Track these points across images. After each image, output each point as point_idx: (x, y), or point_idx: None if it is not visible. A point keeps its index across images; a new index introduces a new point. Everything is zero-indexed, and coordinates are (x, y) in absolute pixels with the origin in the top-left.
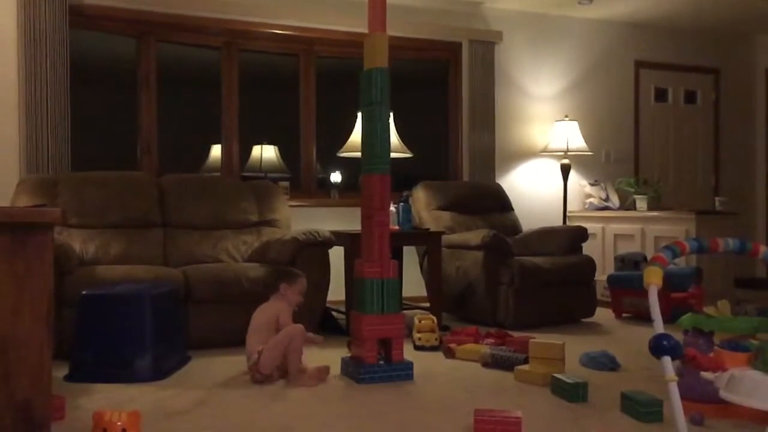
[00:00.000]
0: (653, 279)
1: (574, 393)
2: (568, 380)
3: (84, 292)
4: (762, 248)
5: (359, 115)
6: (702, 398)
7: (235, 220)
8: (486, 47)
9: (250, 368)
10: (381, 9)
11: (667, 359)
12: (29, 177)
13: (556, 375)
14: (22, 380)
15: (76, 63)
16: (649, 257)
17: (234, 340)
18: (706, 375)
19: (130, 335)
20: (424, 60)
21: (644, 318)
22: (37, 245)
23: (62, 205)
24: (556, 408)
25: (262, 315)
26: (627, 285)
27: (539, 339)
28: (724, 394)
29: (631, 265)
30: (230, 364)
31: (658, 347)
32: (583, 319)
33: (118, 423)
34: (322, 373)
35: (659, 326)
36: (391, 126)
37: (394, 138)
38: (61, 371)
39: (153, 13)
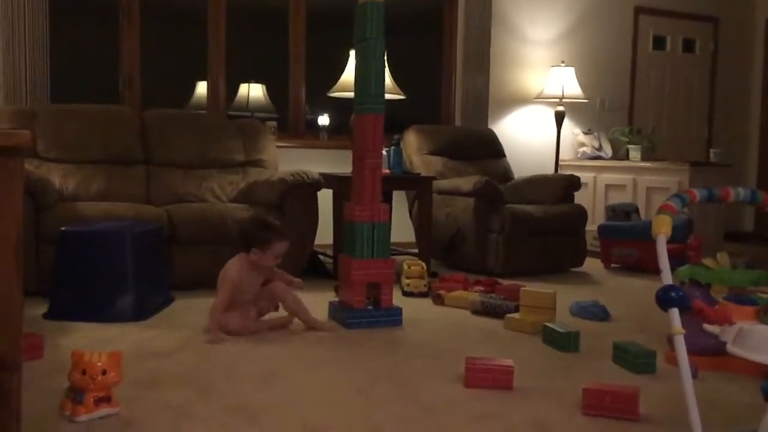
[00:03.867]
0: (662, 228)
1: (565, 342)
2: (559, 330)
3: (63, 229)
4: None
5: (352, 53)
6: (696, 351)
7: (221, 159)
8: None
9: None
10: None
11: (675, 311)
12: (5, 107)
13: (547, 324)
14: None
15: None
16: (640, 208)
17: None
18: (711, 328)
19: (112, 274)
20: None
21: (633, 269)
22: (4, 172)
23: (41, 138)
24: (547, 357)
25: (244, 285)
26: (617, 235)
27: (529, 287)
28: (732, 348)
29: (622, 215)
30: None
31: (666, 299)
32: (572, 269)
33: (98, 363)
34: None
35: (667, 277)
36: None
37: (387, 78)
38: (40, 309)
39: None
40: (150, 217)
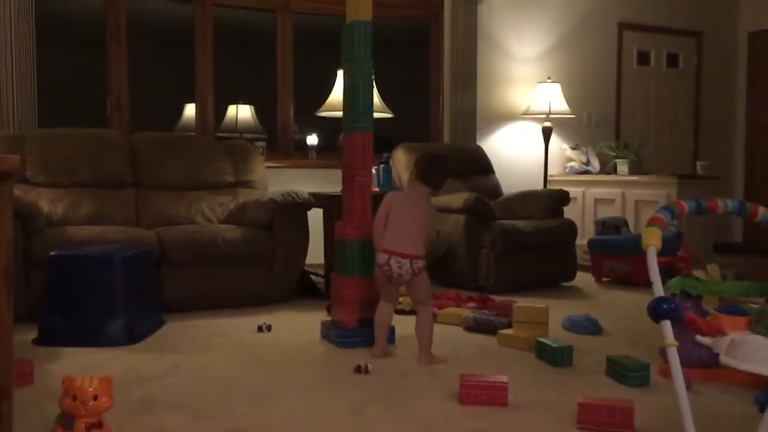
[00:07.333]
0: (652, 240)
1: (559, 357)
2: (553, 344)
3: (52, 253)
4: (761, 210)
5: (340, 72)
6: (689, 363)
7: (211, 180)
8: (468, 6)
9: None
10: None
11: (667, 323)
12: None
13: (540, 339)
14: None
15: (41, 16)
16: (629, 221)
17: (210, 303)
18: (703, 339)
19: (102, 298)
20: (405, 18)
21: (624, 282)
22: None
23: (30, 162)
24: (541, 372)
25: (416, 212)
26: (607, 249)
27: (521, 303)
28: (725, 359)
29: (611, 229)
30: (206, 328)
31: (658, 311)
32: (564, 283)
33: (90, 389)
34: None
35: (659, 289)
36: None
37: (375, 97)
38: (29, 335)
39: None
40: (140, 239)
